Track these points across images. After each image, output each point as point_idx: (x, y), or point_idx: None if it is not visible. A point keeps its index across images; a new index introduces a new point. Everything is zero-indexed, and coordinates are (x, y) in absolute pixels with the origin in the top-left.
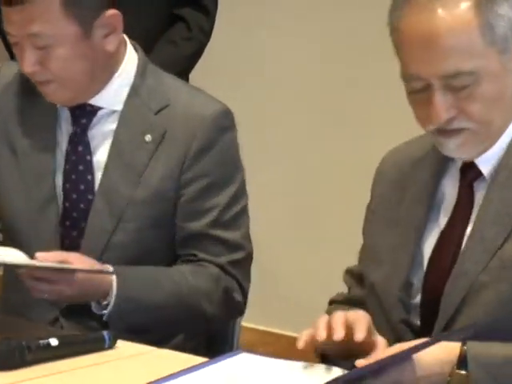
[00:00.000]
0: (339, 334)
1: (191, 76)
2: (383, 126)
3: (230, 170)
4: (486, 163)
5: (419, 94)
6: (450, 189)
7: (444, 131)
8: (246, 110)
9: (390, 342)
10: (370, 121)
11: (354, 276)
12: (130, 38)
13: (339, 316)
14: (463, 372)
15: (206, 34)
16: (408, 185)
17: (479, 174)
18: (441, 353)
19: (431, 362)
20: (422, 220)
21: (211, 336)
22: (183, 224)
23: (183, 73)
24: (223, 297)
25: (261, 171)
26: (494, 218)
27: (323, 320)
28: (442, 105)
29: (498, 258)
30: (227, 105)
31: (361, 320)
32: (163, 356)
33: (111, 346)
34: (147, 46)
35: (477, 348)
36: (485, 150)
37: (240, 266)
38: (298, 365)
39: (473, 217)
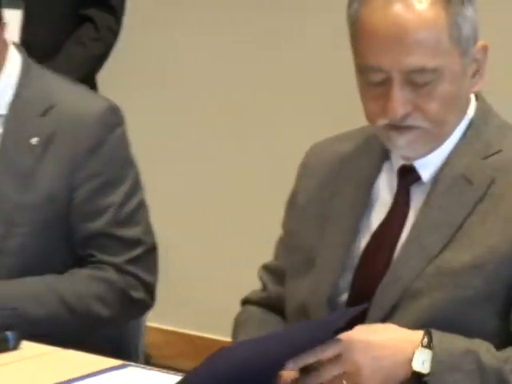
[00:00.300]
0: None
1: (99, 76)
2: (291, 127)
3: (121, 167)
4: (426, 167)
5: (376, 88)
6: (384, 190)
7: (396, 127)
8: (154, 109)
9: None
10: (278, 122)
11: (272, 272)
12: (37, 39)
13: None
14: (428, 350)
15: (114, 34)
16: (339, 183)
17: (417, 177)
18: (402, 334)
19: (394, 341)
20: (354, 220)
21: (117, 335)
22: (79, 225)
23: (91, 73)
24: (119, 298)
25: (167, 172)
26: (433, 226)
27: None
28: (400, 99)
29: (434, 265)
30: (135, 105)
31: None
32: (68, 356)
33: (15, 347)
34: (55, 46)
35: (440, 335)
36: (430, 152)
37: (140, 262)
38: None
39: (408, 221)
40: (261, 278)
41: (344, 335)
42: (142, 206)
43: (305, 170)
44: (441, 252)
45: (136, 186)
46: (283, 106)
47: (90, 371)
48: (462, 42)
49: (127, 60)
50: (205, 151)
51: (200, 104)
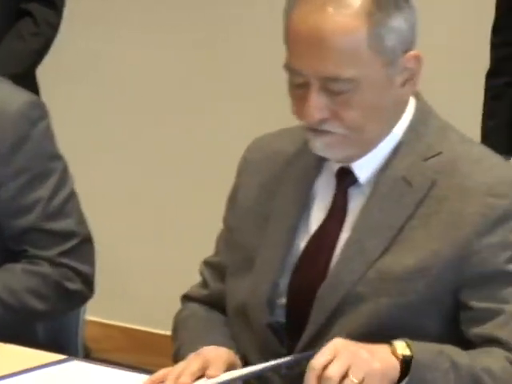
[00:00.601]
0: (185, 383)
1: (38, 71)
2: (229, 121)
3: (47, 161)
4: (363, 169)
5: (298, 89)
6: (322, 191)
7: (314, 129)
8: (93, 104)
9: (253, 349)
10: (217, 116)
11: (213, 268)
12: None
13: (194, 365)
14: (407, 347)
15: (54, 29)
16: (279, 183)
17: (355, 180)
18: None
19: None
20: (294, 221)
21: (56, 329)
22: (9, 222)
23: (31, 68)
24: (54, 290)
25: (106, 168)
26: (373, 228)
27: (176, 370)
28: (317, 105)
29: (375, 269)
30: (75, 100)
31: (218, 360)
32: (9, 351)
33: None
34: None
35: (409, 340)
36: (357, 156)
37: (74, 253)
38: (138, 377)
39: (347, 224)
40: (202, 274)
41: (328, 345)
42: (71, 197)
43: (246, 165)
44: (381, 255)
45: (64, 178)
46: (222, 100)
47: (32, 365)
48: (384, 53)
49: (67, 54)
50: (144, 146)
51: (138, 99)
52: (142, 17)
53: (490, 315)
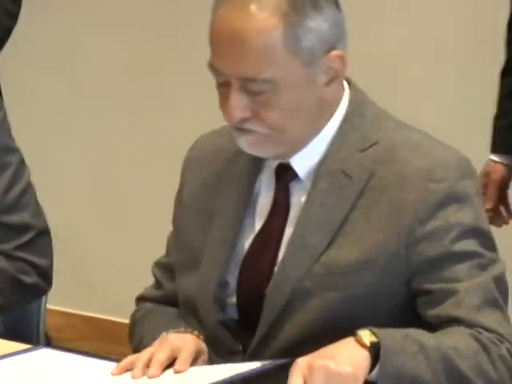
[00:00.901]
0: (154, 374)
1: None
2: (190, 116)
3: (3, 154)
4: (302, 165)
5: (221, 88)
6: (265, 188)
7: (238, 128)
8: (56, 95)
9: (206, 345)
10: (177, 110)
11: (165, 269)
12: None
13: (162, 354)
14: (372, 334)
15: (13, 18)
16: (223, 180)
17: (295, 175)
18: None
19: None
20: (238, 219)
21: (16, 319)
22: None
23: None
24: (9, 285)
25: (73, 160)
26: (316, 223)
27: (143, 357)
28: (237, 105)
29: (321, 264)
30: (35, 88)
31: (186, 350)
32: None
33: None
34: None
35: (373, 328)
36: (288, 153)
37: (30, 246)
38: (106, 364)
39: (290, 219)
40: (154, 275)
41: (293, 368)
42: (27, 190)
43: (189, 162)
44: (326, 250)
45: (20, 171)
46: (183, 93)
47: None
48: (302, 53)
49: (26, 43)
50: (106, 137)
51: (98, 89)
52: (103, 6)
53: (444, 295)
